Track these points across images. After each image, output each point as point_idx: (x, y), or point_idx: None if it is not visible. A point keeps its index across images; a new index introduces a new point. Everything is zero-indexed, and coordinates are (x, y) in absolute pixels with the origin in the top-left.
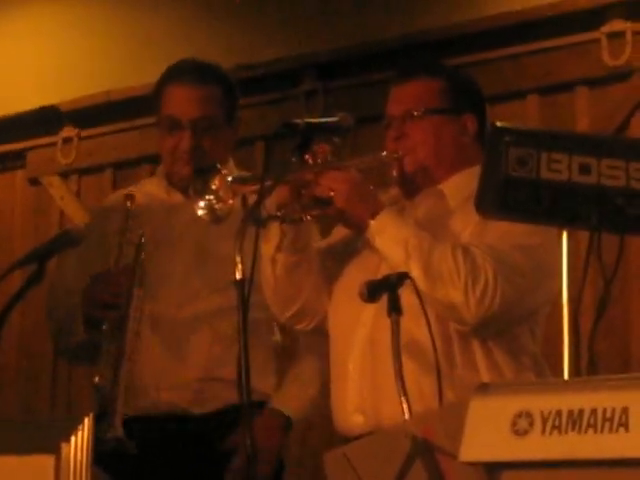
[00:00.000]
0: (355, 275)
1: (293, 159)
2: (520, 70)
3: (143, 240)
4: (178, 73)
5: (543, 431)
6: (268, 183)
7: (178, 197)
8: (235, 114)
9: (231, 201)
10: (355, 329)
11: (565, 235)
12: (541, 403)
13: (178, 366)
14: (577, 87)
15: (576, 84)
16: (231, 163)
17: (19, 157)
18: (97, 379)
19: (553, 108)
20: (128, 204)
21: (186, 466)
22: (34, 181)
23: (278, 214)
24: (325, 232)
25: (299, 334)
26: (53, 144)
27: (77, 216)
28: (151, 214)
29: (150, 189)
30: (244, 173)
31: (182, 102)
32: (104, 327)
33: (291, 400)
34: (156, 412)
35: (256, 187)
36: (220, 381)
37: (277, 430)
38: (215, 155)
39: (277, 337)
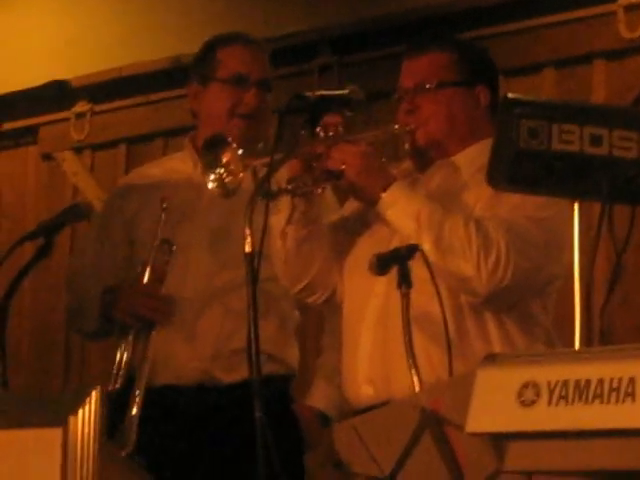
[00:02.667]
0: (367, 248)
1: (303, 132)
2: (537, 43)
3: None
4: (237, 36)
5: (550, 402)
6: (279, 156)
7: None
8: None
9: (242, 174)
10: (367, 301)
11: (577, 207)
12: (548, 373)
13: (208, 338)
14: (594, 60)
15: (593, 57)
16: (230, 138)
17: (32, 133)
18: (111, 387)
19: (570, 81)
20: (164, 206)
21: (213, 436)
22: (47, 157)
23: (289, 187)
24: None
25: (326, 319)
26: (66, 119)
27: (90, 192)
28: (173, 189)
29: (173, 165)
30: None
31: (250, 60)
32: (130, 334)
33: (325, 397)
34: (185, 382)
35: (267, 160)
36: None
37: (311, 425)
38: (266, 121)
39: (296, 313)
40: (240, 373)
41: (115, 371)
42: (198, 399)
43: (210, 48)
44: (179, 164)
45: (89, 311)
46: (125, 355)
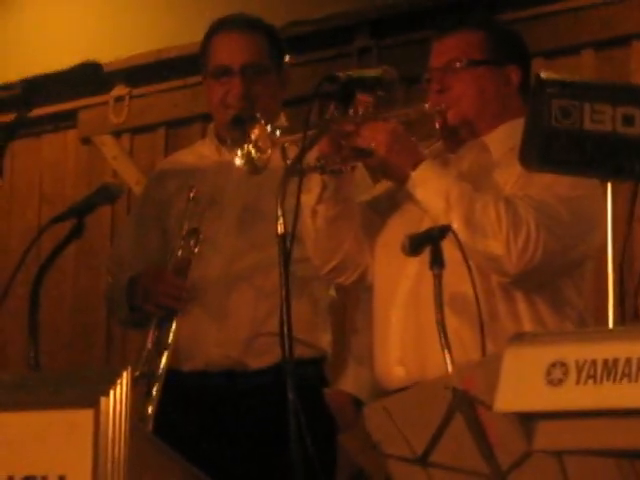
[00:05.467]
0: (398, 228)
1: (335, 112)
2: (575, 25)
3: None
4: (223, 24)
5: (577, 381)
6: (309, 133)
7: (227, 155)
8: (282, 67)
9: (270, 151)
10: (399, 282)
11: (609, 187)
12: (575, 353)
13: (236, 322)
14: (633, 41)
15: (632, 38)
16: (282, 118)
17: (71, 117)
18: (138, 373)
19: (608, 63)
20: (191, 195)
21: (243, 421)
22: (86, 140)
23: (318, 165)
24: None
25: (359, 298)
26: (104, 103)
27: (130, 176)
28: (202, 175)
29: (202, 150)
30: (284, 124)
31: (231, 49)
32: (153, 322)
33: (357, 380)
34: (214, 367)
35: (295, 137)
36: (273, 335)
37: (344, 410)
38: (264, 104)
39: (332, 292)
40: (269, 358)
41: (138, 358)
42: (227, 385)
43: (206, 38)
44: (207, 149)
45: (120, 300)
46: (148, 343)
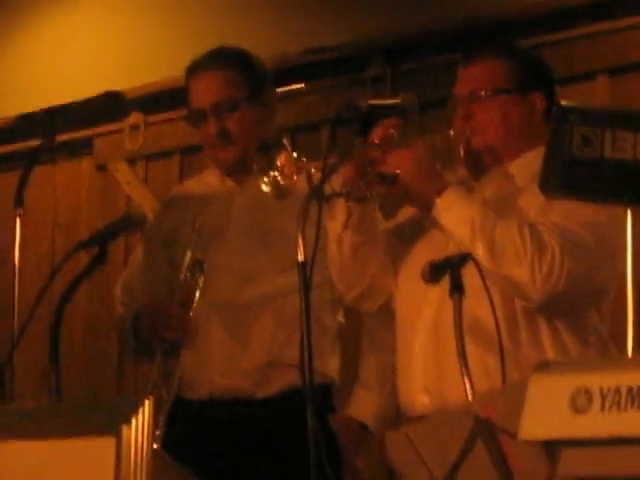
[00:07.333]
0: (423, 255)
1: (357, 140)
2: (590, 51)
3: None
4: (195, 65)
5: (602, 408)
6: (333, 160)
7: (231, 185)
8: (263, 93)
9: (295, 177)
10: (421, 309)
11: (630, 214)
12: (600, 380)
13: (242, 351)
14: None
15: None
16: (285, 143)
17: (86, 144)
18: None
19: (623, 89)
20: (196, 225)
21: (249, 450)
22: (101, 168)
23: (343, 191)
24: (389, 214)
25: (364, 322)
26: (120, 130)
27: (145, 202)
28: (207, 205)
29: (208, 179)
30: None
31: (201, 92)
32: (158, 355)
33: (365, 407)
34: (220, 396)
35: (321, 164)
36: (284, 365)
37: (350, 435)
38: (243, 136)
39: (341, 318)
40: (275, 386)
41: (145, 389)
42: (233, 414)
43: (185, 83)
44: (212, 179)
45: (127, 332)
46: (154, 375)
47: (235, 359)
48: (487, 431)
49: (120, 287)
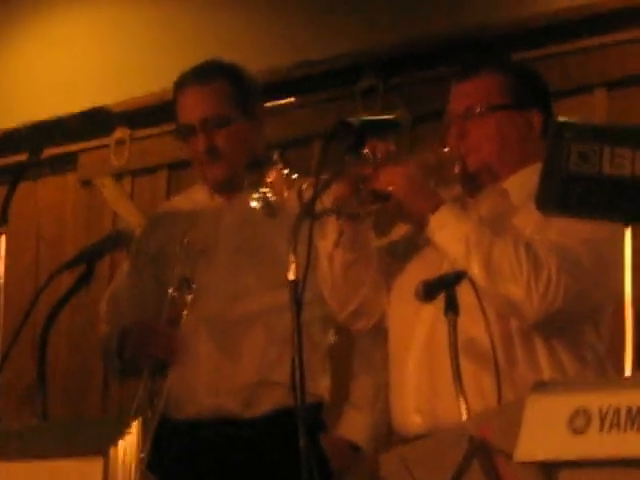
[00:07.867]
0: (416, 273)
1: (348, 157)
2: (587, 64)
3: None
4: (182, 80)
5: (601, 429)
6: (325, 177)
7: (220, 201)
8: (252, 107)
9: (286, 194)
10: (415, 327)
11: (628, 231)
12: (598, 401)
13: (231, 369)
14: None
15: None
16: (276, 156)
17: (71, 159)
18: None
19: (621, 102)
20: (185, 241)
21: (236, 471)
22: (86, 183)
23: (334, 208)
24: (383, 231)
25: (355, 341)
26: (105, 146)
27: (131, 218)
28: (195, 222)
29: (197, 196)
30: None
31: (189, 107)
32: (145, 373)
33: (356, 427)
34: (207, 416)
35: (312, 180)
36: (273, 384)
37: (341, 456)
38: (232, 152)
39: (331, 337)
40: (263, 407)
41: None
42: (220, 434)
43: (173, 97)
44: (200, 195)
45: (113, 350)
46: (140, 394)
47: (224, 375)
48: (483, 452)
49: (105, 302)
